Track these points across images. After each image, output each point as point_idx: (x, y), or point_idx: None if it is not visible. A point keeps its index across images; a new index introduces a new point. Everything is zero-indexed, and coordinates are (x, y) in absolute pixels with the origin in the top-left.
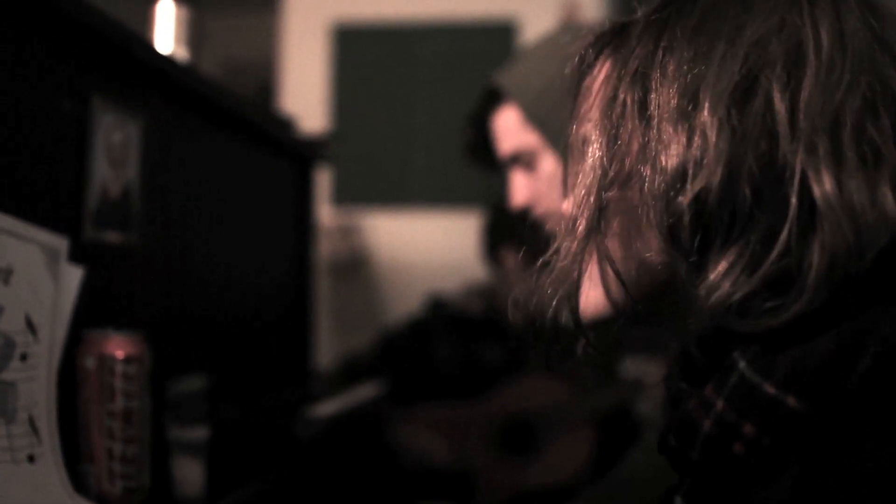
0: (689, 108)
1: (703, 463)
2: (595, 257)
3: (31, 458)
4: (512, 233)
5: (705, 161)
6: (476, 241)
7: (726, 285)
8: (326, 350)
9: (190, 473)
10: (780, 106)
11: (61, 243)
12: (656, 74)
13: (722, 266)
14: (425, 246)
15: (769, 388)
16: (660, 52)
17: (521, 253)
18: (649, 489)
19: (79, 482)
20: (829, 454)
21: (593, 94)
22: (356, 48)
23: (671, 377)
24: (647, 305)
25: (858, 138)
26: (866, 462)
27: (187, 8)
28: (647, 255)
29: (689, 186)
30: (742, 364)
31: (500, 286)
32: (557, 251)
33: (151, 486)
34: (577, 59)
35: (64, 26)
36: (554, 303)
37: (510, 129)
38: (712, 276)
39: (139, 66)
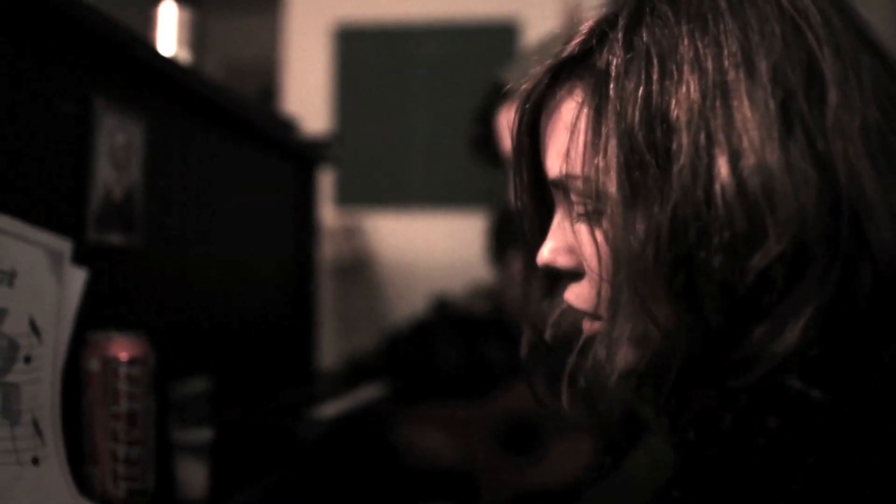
0: (733, 150)
1: (722, 457)
2: (627, 315)
3: (35, 461)
4: (518, 235)
5: (778, 208)
6: (479, 242)
7: (795, 329)
8: (330, 351)
9: (193, 475)
10: (816, 132)
11: (65, 245)
12: (660, 115)
13: (786, 310)
14: (428, 247)
15: (794, 382)
16: (656, 88)
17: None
18: (652, 488)
19: (83, 484)
20: (850, 445)
21: (577, 143)
22: (358, 49)
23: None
24: (690, 356)
25: (886, 150)
26: (887, 454)
27: (189, 10)
28: (685, 309)
29: (769, 242)
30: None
31: (505, 288)
32: (579, 306)
33: (155, 487)
34: (525, 103)
35: (66, 29)
36: (586, 360)
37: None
38: (775, 323)
39: (142, 68)
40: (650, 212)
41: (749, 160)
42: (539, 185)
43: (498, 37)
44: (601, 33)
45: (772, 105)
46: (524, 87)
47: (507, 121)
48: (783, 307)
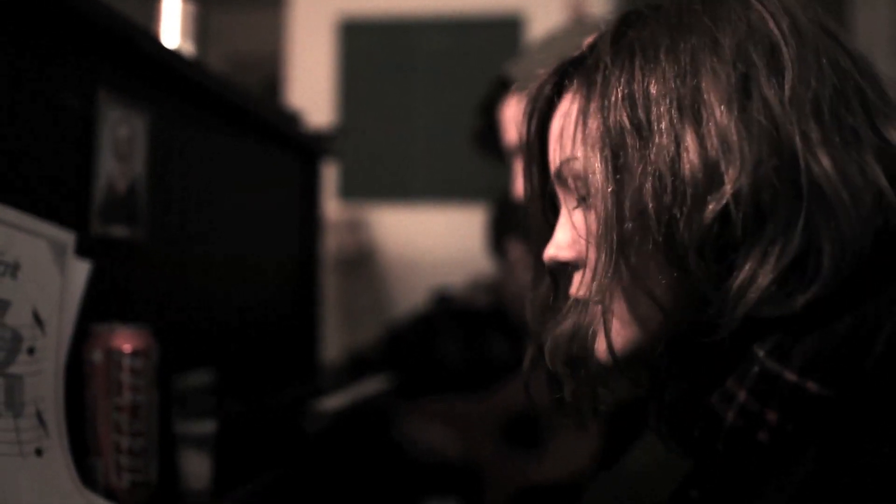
0: (696, 117)
1: (729, 453)
2: (619, 295)
3: (38, 452)
4: (517, 225)
5: (733, 161)
6: (481, 236)
7: (763, 275)
8: (333, 344)
9: (197, 467)
10: (774, 102)
11: (68, 238)
12: (641, 97)
13: (755, 258)
14: (431, 240)
15: (790, 376)
16: (638, 74)
17: (527, 247)
18: (656, 483)
19: (86, 476)
20: (847, 435)
21: (571, 133)
22: (362, 43)
23: (665, 374)
24: (681, 325)
25: (839, 122)
26: (884, 442)
27: (193, 3)
28: (674, 275)
29: (723, 189)
30: (761, 354)
31: (506, 279)
32: (580, 295)
33: (158, 479)
34: (532, 104)
35: (70, 21)
36: (586, 347)
37: (518, 118)
38: (746, 270)
39: (145, 60)
40: (634, 183)
41: (710, 123)
42: (547, 188)
43: (502, 31)
44: (598, 40)
45: (733, 77)
46: (530, 90)
47: (510, 114)
48: (753, 252)
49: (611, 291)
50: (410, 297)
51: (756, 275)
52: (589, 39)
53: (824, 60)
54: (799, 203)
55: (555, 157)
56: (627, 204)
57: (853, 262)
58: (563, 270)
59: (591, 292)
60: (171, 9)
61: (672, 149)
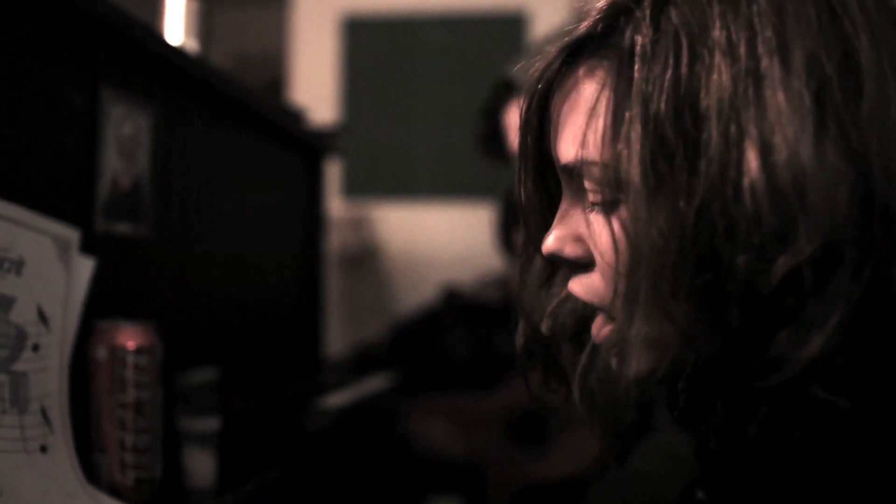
0: (766, 141)
1: (748, 467)
2: (643, 315)
3: (43, 449)
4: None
5: (810, 212)
6: (487, 232)
7: (816, 340)
8: (337, 341)
9: (201, 464)
10: (850, 126)
11: (73, 235)
12: (687, 100)
13: (806, 325)
14: (436, 237)
15: (817, 391)
16: (684, 77)
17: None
18: (659, 482)
19: (91, 472)
20: (874, 456)
21: (595, 128)
22: (366, 40)
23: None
24: (710, 360)
25: None
26: None
27: (197, 0)
28: (707, 310)
29: (801, 245)
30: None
31: (513, 272)
32: (588, 300)
33: (163, 476)
34: (537, 83)
35: (73, 18)
36: (608, 369)
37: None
38: (794, 337)
39: (149, 58)
40: (675, 205)
41: (781, 155)
42: (544, 168)
43: (506, 28)
44: (626, 10)
45: (806, 96)
46: (537, 65)
47: (514, 118)
48: (810, 311)
49: (639, 315)
50: (414, 295)
51: (810, 338)
52: (600, 4)
53: None
54: (869, 251)
55: (567, 149)
56: (666, 231)
57: None
58: (564, 263)
59: (603, 303)
60: (175, 6)
61: (729, 177)
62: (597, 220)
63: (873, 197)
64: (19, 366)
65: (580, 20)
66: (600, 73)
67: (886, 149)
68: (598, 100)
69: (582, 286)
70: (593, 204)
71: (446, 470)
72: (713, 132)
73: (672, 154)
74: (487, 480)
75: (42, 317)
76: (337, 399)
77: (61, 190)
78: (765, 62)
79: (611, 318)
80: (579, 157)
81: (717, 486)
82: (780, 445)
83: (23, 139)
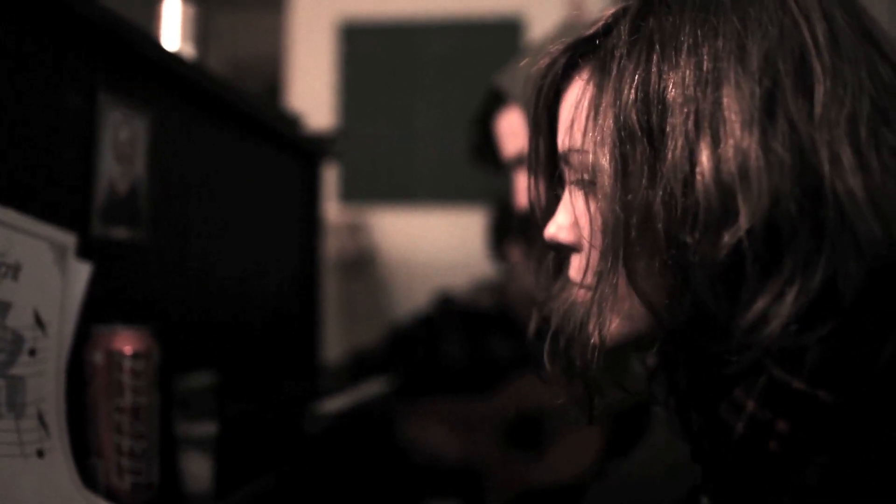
0: (717, 134)
1: (739, 463)
2: (616, 290)
3: (40, 453)
4: (517, 227)
5: (750, 191)
6: (482, 239)
7: (781, 312)
8: (334, 346)
9: (198, 469)
10: (801, 122)
11: (69, 239)
12: (655, 98)
13: (770, 294)
14: (432, 242)
15: (798, 385)
16: (655, 73)
17: (527, 246)
18: (658, 486)
19: (87, 477)
20: (856, 443)
21: (581, 119)
22: (363, 45)
23: (658, 380)
24: (680, 335)
25: (877, 142)
26: (892, 449)
27: (194, 5)
28: (673, 288)
29: (739, 221)
30: (769, 364)
31: (507, 281)
32: (577, 280)
33: (160, 481)
34: (542, 80)
35: (71, 23)
36: (579, 334)
37: (514, 131)
38: (760, 307)
39: (146, 62)
40: (641, 188)
41: (728, 144)
42: (553, 168)
43: (502, 33)
44: (615, 20)
45: (757, 93)
46: (541, 63)
47: (506, 126)
48: (767, 291)
49: (606, 284)
50: (411, 300)
51: (772, 315)
52: (607, 12)
53: (863, 72)
54: (821, 237)
55: (564, 139)
56: (634, 214)
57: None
58: (563, 249)
59: (585, 281)
60: (172, 11)
61: (686, 166)
62: (579, 200)
63: (821, 189)
64: (16, 370)
65: (586, 26)
66: (587, 72)
67: (834, 143)
68: (583, 94)
69: (574, 269)
70: (577, 185)
71: (443, 474)
72: (676, 124)
73: (637, 141)
74: (484, 484)
75: (39, 321)
76: (334, 404)
77: (58, 194)
78: (724, 63)
79: (588, 287)
80: (566, 146)
81: (719, 491)
82: (766, 439)
83: (20, 143)
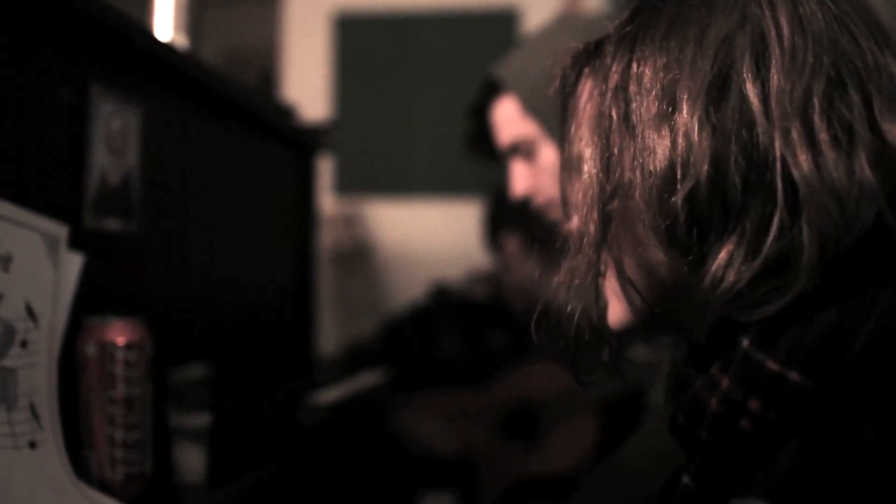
0: (669, 111)
1: (712, 441)
2: (611, 269)
3: (32, 445)
4: (512, 218)
5: (691, 160)
6: (478, 230)
7: (730, 275)
8: (329, 339)
9: (192, 460)
10: (753, 97)
11: (61, 230)
12: (633, 86)
13: (722, 257)
14: (428, 234)
15: (772, 365)
16: (634, 64)
17: (523, 240)
18: (651, 476)
19: (80, 468)
20: (830, 426)
21: (580, 113)
22: (358, 37)
23: (677, 365)
24: (666, 308)
25: (829, 118)
26: (864, 434)
27: None
28: (653, 259)
29: (679, 186)
30: (745, 343)
31: (502, 272)
32: (572, 268)
33: (154, 472)
34: (558, 82)
35: (62, 14)
36: (577, 317)
37: (509, 119)
38: (713, 268)
39: (138, 53)
40: (619, 173)
41: (677, 118)
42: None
43: (497, 25)
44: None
45: (709, 70)
46: (557, 69)
47: (500, 115)
48: (721, 254)
49: (600, 264)
50: (407, 292)
51: (722, 276)
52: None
53: (821, 49)
54: (772, 205)
55: (571, 134)
56: (609, 188)
57: (837, 259)
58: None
59: (582, 262)
60: (165, 2)
61: (649, 142)
62: (577, 188)
63: (772, 160)
64: (7, 362)
65: (561, 28)
66: (588, 71)
67: (788, 118)
68: (584, 91)
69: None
70: (578, 175)
71: (439, 465)
72: (646, 112)
73: (615, 128)
74: (480, 476)
75: (30, 313)
76: (329, 395)
77: (50, 186)
78: (686, 48)
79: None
80: (570, 137)
81: (699, 470)
82: (739, 417)
83: (11, 135)
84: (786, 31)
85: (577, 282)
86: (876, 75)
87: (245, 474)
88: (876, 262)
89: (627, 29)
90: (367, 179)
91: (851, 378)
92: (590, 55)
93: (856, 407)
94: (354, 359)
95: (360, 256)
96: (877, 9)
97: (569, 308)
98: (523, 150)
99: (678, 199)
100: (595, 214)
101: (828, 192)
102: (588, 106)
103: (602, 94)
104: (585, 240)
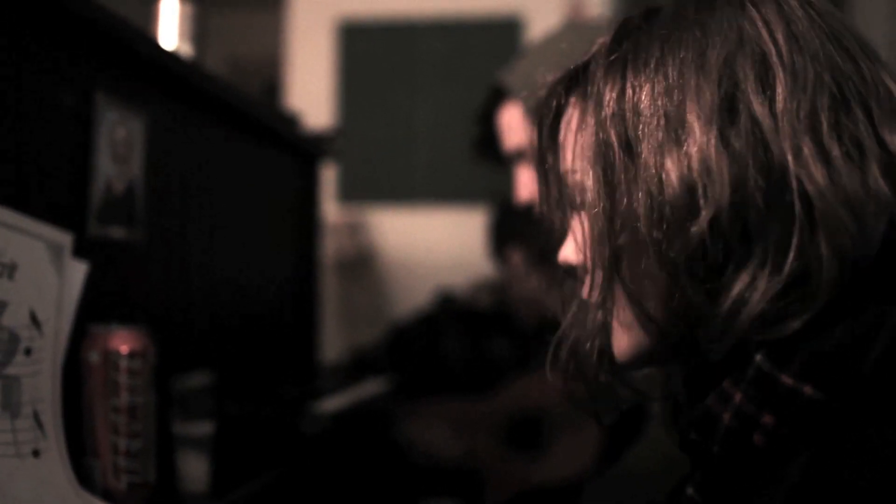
0: (679, 137)
1: (725, 455)
2: (620, 302)
3: (36, 453)
4: (518, 231)
5: (712, 185)
6: (482, 238)
7: (754, 298)
8: (333, 346)
9: (195, 469)
10: (763, 118)
11: (65, 239)
12: (631, 113)
13: (744, 280)
14: (431, 242)
15: (786, 380)
16: (629, 90)
17: (528, 254)
18: (654, 482)
19: (84, 477)
20: (842, 440)
21: (571, 143)
22: (361, 45)
23: (677, 391)
24: (681, 337)
25: (838, 134)
26: (879, 448)
27: (191, 4)
28: (668, 289)
29: (702, 213)
30: (759, 357)
31: (508, 286)
32: (582, 305)
33: (157, 480)
34: (540, 112)
35: (67, 22)
36: (593, 354)
37: (515, 125)
38: (735, 293)
39: (143, 62)
40: (624, 201)
41: (690, 143)
42: (561, 192)
43: (501, 32)
44: (598, 49)
45: (716, 95)
46: (538, 98)
47: (507, 120)
48: (741, 278)
49: (610, 298)
50: (410, 300)
51: (746, 300)
52: (597, 44)
53: (821, 67)
54: (790, 223)
55: (561, 165)
56: (619, 221)
57: (853, 272)
58: (575, 272)
59: (592, 297)
60: (169, 10)
61: (656, 170)
62: (576, 221)
63: (787, 178)
64: (11, 370)
65: (568, 35)
66: (575, 98)
67: (798, 135)
68: (570, 117)
69: (585, 287)
70: (575, 206)
71: (443, 473)
72: (646, 133)
73: (616, 155)
74: (484, 484)
75: (35, 321)
76: (333, 403)
77: (54, 194)
78: (686, 72)
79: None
80: (563, 170)
81: (705, 482)
82: (752, 432)
83: (16, 143)
84: (784, 50)
85: (590, 319)
86: (874, 89)
87: (249, 482)
88: (887, 275)
89: (616, 55)
90: (370, 187)
91: (865, 391)
92: (572, 81)
93: (867, 419)
94: (359, 366)
95: (363, 264)
96: (877, 13)
97: (587, 346)
98: (529, 156)
99: (700, 226)
100: (606, 251)
101: (844, 206)
102: (580, 136)
103: (599, 123)
104: (596, 276)
